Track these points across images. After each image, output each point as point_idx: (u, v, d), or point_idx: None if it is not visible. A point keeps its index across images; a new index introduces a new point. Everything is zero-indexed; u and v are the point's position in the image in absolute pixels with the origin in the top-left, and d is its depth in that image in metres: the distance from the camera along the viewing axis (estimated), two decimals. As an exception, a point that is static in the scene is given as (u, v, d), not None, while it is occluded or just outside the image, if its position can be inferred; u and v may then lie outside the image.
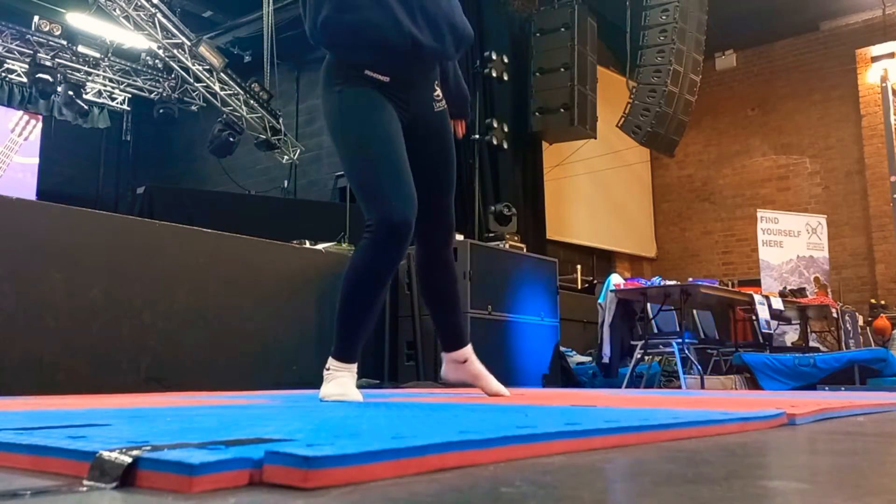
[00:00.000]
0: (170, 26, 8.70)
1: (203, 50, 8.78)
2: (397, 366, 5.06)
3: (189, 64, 9.13)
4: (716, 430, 1.17)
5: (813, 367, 5.67)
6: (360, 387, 2.23)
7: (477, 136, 8.13)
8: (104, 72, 9.85)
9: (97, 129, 10.36)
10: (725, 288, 6.83)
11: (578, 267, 9.06)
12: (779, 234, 9.21)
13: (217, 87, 9.30)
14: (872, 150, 10.06)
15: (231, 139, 9.16)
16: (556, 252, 8.54)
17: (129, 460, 0.63)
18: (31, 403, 1.94)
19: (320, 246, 5.20)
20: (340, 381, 2.14)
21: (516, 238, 7.25)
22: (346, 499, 0.57)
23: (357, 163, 2.19)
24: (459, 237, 5.51)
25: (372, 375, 4.60)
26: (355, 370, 2.23)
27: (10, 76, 9.18)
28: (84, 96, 9.49)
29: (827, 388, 5.32)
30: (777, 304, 6.36)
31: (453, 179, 2.44)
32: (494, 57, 8.20)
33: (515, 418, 1.12)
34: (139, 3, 8.36)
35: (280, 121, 9.53)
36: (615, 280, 5.97)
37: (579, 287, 8.29)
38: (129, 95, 10.39)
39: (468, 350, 2.49)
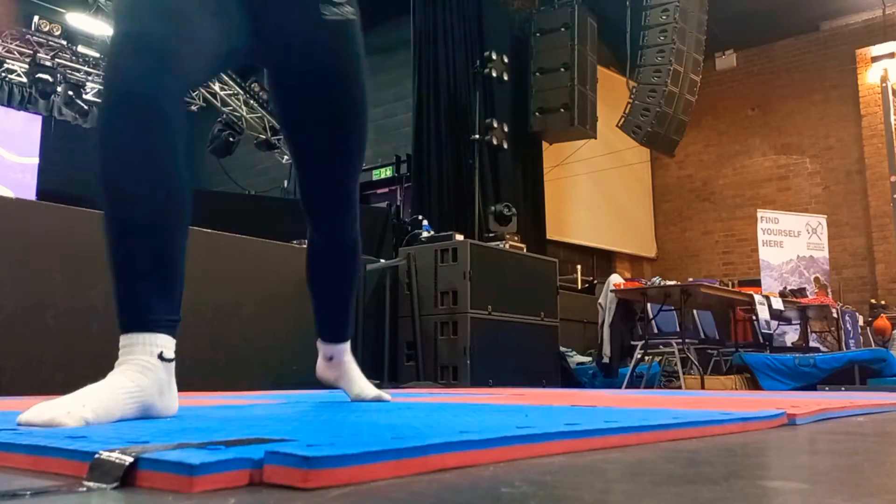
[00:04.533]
0: (170, 26, 8.70)
1: (203, 50, 8.78)
2: (397, 366, 5.07)
3: (189, 64, 9.12)
4: (716, 430, 1.17)
5: (813, 368, 5.67)
6: None
7: (477, 136, 8.13)
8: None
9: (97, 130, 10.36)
10: (725, 288, 6.84)
11: (578, 267, 9.06)
12: (779, 234, 9.21)
13: (217, 87, 9.31)
14: (872, 150, 10.06)
15: (231, 139, 9.17)
16: (556, 252, 8.54)
17: (130, 460, 0.63)
18: (31, 404, 1.94)
19: (320, 246, 5.19)
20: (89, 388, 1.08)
21: (516, 238, 7.23)
22: (346, 499, 0.57)
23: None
24: (459, 237, 5.52)
25: (372, 375, 4.59)
26: (165, 351, 1.17)
27: (10, 76, 9.18)
28: (84, 96, 9.48)
29: (827, 388, 5.32)
30: (777, 304, 6.36)
31: (357, 129, 1.63)
32: (494, 57, 8.20)
33: (515, 418, 1.12)
34: (139, 3, 8.35)
35: (280, 121, 9.53)
36: (615, 280, 5.98)
37: (579, 287, 8.29)
38: (129, 95, 10.37)
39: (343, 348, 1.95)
